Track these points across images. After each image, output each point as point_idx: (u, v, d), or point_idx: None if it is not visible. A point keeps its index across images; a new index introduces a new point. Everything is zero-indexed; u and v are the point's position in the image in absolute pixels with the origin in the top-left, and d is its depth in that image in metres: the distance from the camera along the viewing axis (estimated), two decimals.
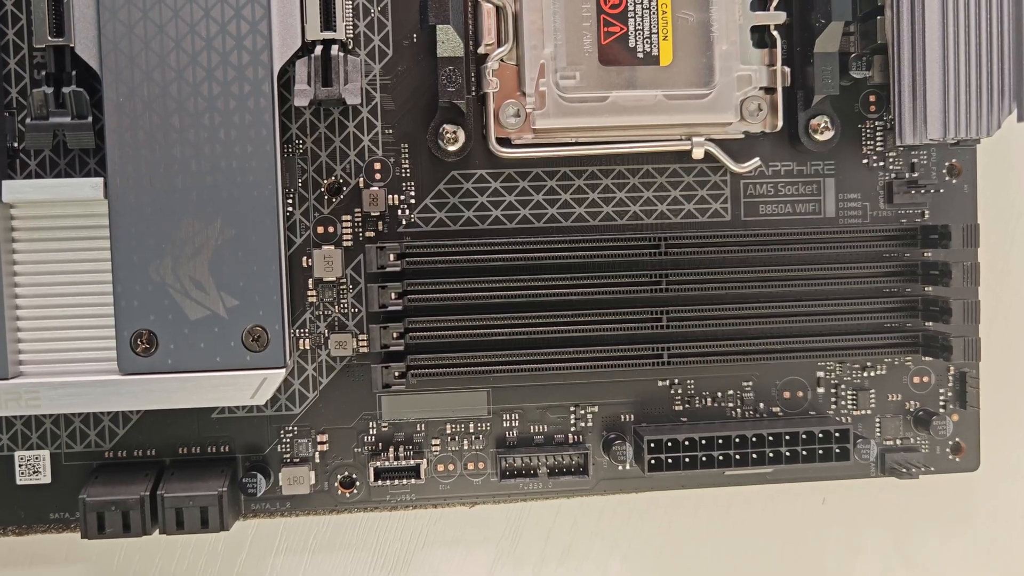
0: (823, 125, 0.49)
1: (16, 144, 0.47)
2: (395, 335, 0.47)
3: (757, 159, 0.50)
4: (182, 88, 0.45)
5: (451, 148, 0.48)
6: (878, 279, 0.50)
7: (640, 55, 0.48)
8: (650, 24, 0.48)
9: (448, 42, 0.46)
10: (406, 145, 0.49)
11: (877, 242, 0.50)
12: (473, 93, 0.48)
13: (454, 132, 0.48)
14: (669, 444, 0.48)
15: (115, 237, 0.45)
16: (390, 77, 0.48)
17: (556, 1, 0.47)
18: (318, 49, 0.46)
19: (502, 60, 0.48)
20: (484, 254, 0.48)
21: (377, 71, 0.48)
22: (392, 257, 0.47)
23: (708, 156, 0.49)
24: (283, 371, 0.46)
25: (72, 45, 0.45)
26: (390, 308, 0.47)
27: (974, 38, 0.46)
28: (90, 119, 0.46)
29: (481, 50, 0.48)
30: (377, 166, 0.49)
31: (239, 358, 0.46)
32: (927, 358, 0.51)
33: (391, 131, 0.49)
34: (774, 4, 0.49)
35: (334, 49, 0.46)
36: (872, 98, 0.51)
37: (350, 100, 0.46)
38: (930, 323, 0.50)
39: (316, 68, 0.46)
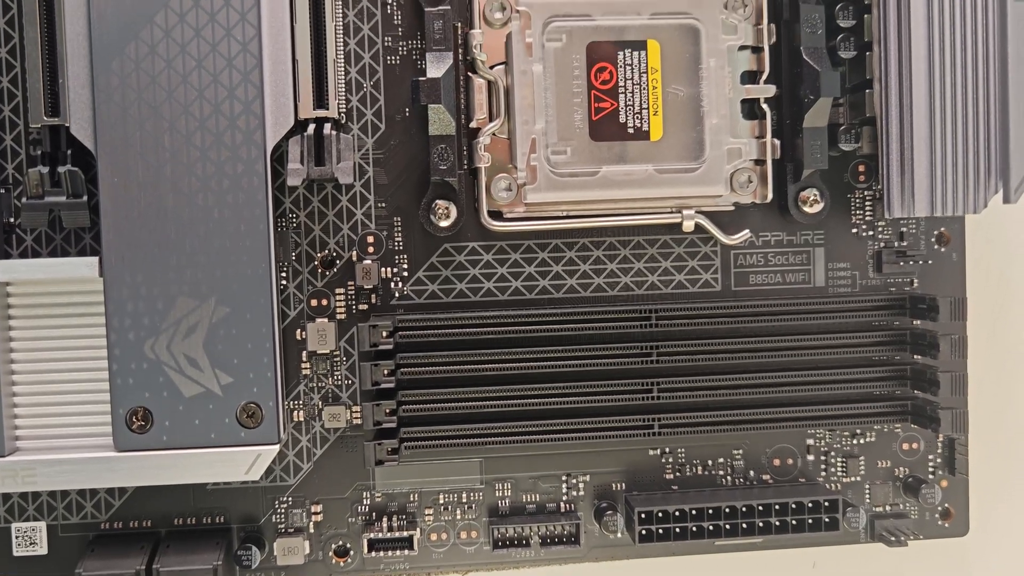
0: (812, 198, 0.50)
1: (12, 219, 0.48)
2: (387, 412, 0.47)
3: (747, 231, 0.50)
4: (176, 168, 0.45)
5: (443, 224, 0.48)
6: (867, 348, 0.50)
7: (631, 130, 0.48)
8: (640, 100, 0.48)
9: (439, 121, 0.47)
10: (399, 219, 0.49)
11: (866, 312, 0.50)
12: (465, 168, 0.49)
13: (446, 208, 0.48)
14: (660, 515, 0.49)
15: (110, 315, 0.45)
16: (383, 151, 0.49)
17: (547, 77, 0.48)
18: (311, 127, 0.47)
19: (494, 134, 0.48)
20: (476, 327, 0.48)
21: (370, 145, 0.49)
22: (384, 334, 0.47)
23: (698, 227, 0.50)
24: (277, 447, 0.46)
25: (67, 125, 0.46)
26: (383, 385, 0.47)
27: (960, 115, 0.47)
28: (85, 198, 0.46)
29: (473, 124, 0.48)
30: (370, 239, 0.49)
31: (234, 434, 0.46)
32: (916, 426, 0.51)
33: (384, 205, 0.49)
34: (764, 77, 0.49)
35: (327, 127, 0.47)
36: (861, 168, 0.51)
37: (343, 179, 0.46)
38: (919, 392, 0.50)
39: (309, 147, 0.46)
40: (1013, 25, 0.45)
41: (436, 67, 0.46)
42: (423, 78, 0.46)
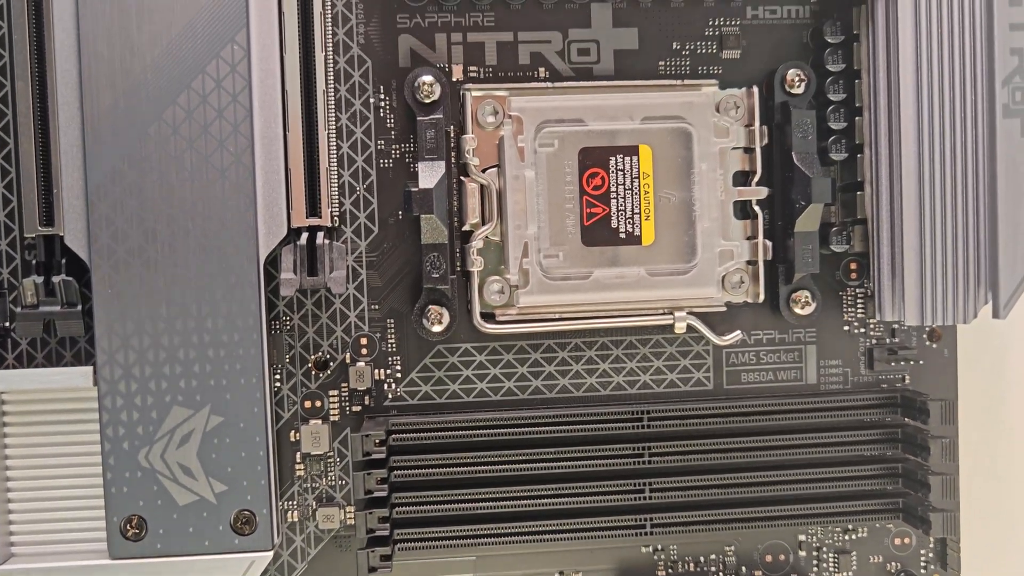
0: (804, 299, 0.50)
1: (7, 323, 0.48)
2: (380, 519, 0.47)
3: (739, 332, 0.50)
4: (170, 279, 0.45)
5: (436, 328, 0.48)
6: (859, 446, 0.50)
7: (623, 235, 0.48)
8: (632, 205, 0.48)
9: (432, 230, 0.47)
10: (392, 320, 0.49)
11: (858, 410, 0.50)
12: (458, 271, 0.49)
13: (439, 313, 0.48)
14: None
15: (104, 424, 0.46)
16: (376, 254, 0.49)
17: (539, 182, 0.48)
18: (304, 236, 0.47)
19: (486, 237, 0.48)
20: (469, 430, 0.48)
21: (363, 248, 0.49)
22: (376, 442, 0.47)
23: (691, 328, 0.50)
24: (271, 553, 0.46)
25: (62, 234, 0.46)
26: (376, 494, 0.47)
27: (951, 224, 0.47)
28: (79, 308, 0.46)
29: (465, 228, 0.48)
30: (363, 341, 0.49)
31: (228, 542, 0.46)
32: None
33: (377, 307, 0.49)
34: (755, 179, 0.49)
35: (319, 237, 0.47)
36: (853, 265, 0.51)
37: (336, 289, 0.47)
38: (910, 491, 0.50)
39: (302, 257, 0.47)
40: (1002, 141, 0.45)
41: (428, 177, 0.47)
42: (415, 189, 0.46)
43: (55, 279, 0.46)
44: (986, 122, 0.46)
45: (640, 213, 0.49)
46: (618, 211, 0.48)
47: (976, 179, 0.46)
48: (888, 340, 0.52)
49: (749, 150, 0.49)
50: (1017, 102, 0.45)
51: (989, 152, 0.46)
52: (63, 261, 0.47)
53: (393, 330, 0.49)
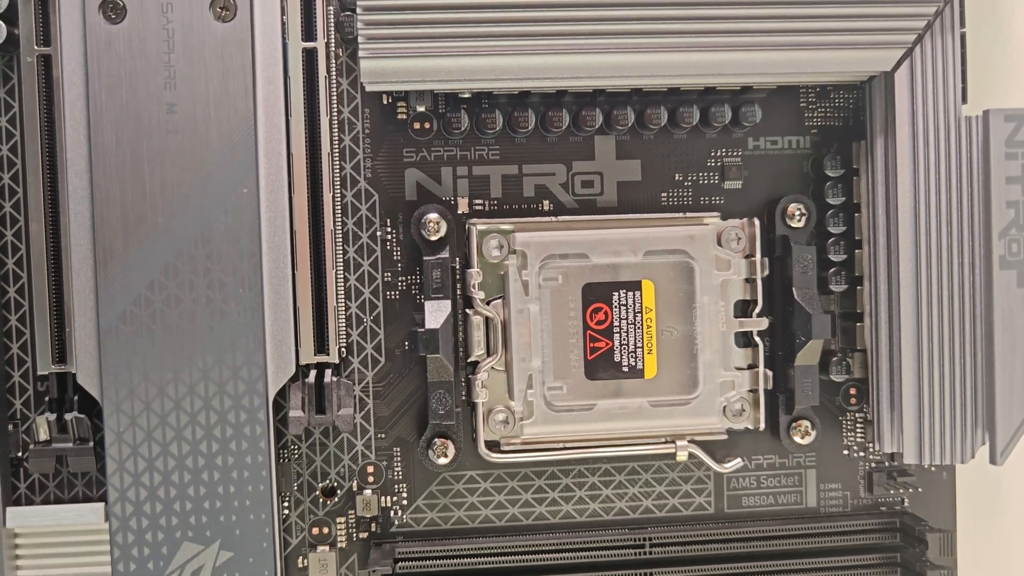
0: (804, 428, 0.51)
1: (20, 454, 0.49)
2: None
3: (739, 460, 0.51)
4: (181, 417, 0.46)
5: (441, 461, 0.49)
6: (859, 571, 0.51)
7: (625, 369, 0.49)
8: (635, 339, 0.49)
9: (438, 369, 0.48)
10: (399, 449, 0.50)
11: (857, 535, 0.51)
12: (463, 401, 0.50)
13: (445, 446, 0.49)
14: None
15: (115, 560, 0.46)
16: (383, 384, 0.50)
17: (543, 316, 0.49)
18: (312, 375, 0.48)
19: (492, 367, 0.49)
20: (474, 557, 0.49)
21: (370, 378, 0.50)
22: None
23: (692, 455, 0.50)
24: None
25: (74, 372, 0.47)
26: None
27: (948, 363, 0.47)
28: (91, 444, 0.47)
29: (471, 359, 0.49)
30: (370, 469, 0.50)
31: None
32: None
33: (384, 436, 0.50)
34: (756, 310, 0.50)
35: (327, 374, 0.48)
36: (853, 391, 0.52)
37: (344, 428, 0.48)
38: None
39: (310, 395, 0.47)
40: (999, 292, 0.46)
41: (434, 317, 0.47)
42: (422, 329, 0.47)
43: (67, 416, 0.47)
44: (983, 272, 0.46)
45: (643, 347, 0.49)
46: (621, 345, 0.49)
47: (974, 326, 0.47)
48: (887, 463, 0.52)
49: (750, 280, 0.50)
50: (1013, 253, 0.46)
51: (986, 301, 0.46)
52: (75, 398, 0.47)
53: (399, 458, 0.50)
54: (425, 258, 0.48)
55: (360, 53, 0.44)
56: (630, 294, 0.49)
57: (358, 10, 0.44)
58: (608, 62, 0.45)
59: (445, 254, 0.48)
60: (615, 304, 0.49)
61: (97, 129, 0.46)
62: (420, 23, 0.44)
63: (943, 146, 0.47)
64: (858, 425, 0.52)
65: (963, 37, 0.48)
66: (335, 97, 0.49)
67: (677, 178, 0.51)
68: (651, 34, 0.45)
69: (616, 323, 0.49)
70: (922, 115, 0.47)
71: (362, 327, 0.50)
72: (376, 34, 0.44)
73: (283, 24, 0.47)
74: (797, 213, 0.50)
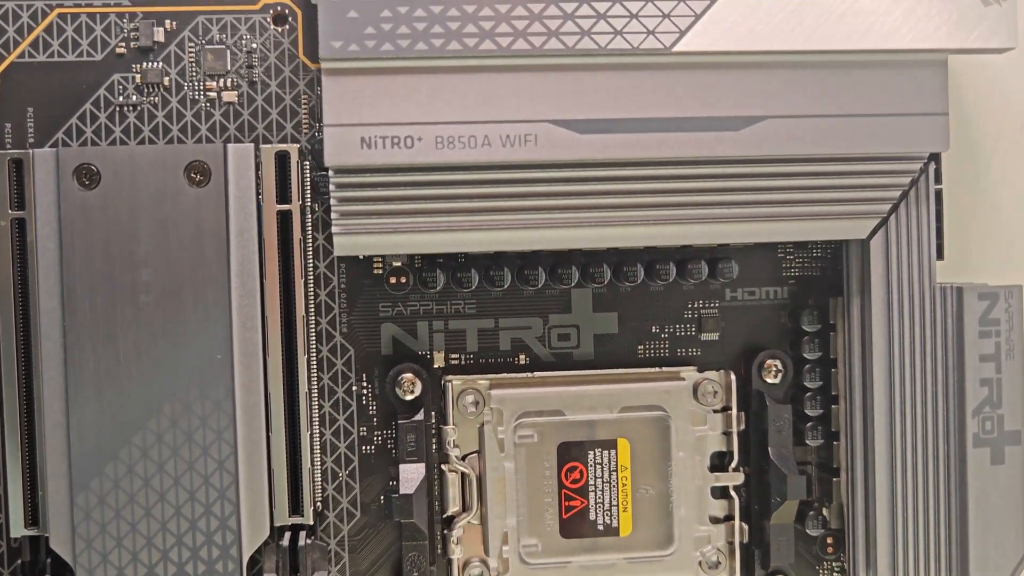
0: None
1: None
2: None
3: None
4: None
5: None
6: None
7: (600, 527, 0.49)
8: (610, 498, 0.49)
9: (412, 534, 0.48)
10: None
11: None
12: (439, 556, 0.49)
13: None
14: None
15: None
16: (359, 537, 0.50)
17: (518, 474, 0.49)
18: (286, 538, 0.48)
19: (468, 521, 0.49)
20: None
21: (346, 532, 0.50)
22: None
23: None
24: None
25: (47, 535, 0.47)
26: None
27: (923, 534, 0.47)
28: None
29: (447, 514, 0.49)
30: None
31: None
32: None
33: None
34: (732, 464, 0.50)
35: (302, 537, 0.48)
36: (830, 540, 0.52)
37: None
38: None
39: (284, 559, 0.47)
40: (973, 469, 0.46)
41: (408, 482, 0.47)
42: (396, 495, 0.47)
43: None
44: (957, 446, 0.46)
45: (618, 505, 0.49)
46: (596, 504, 0.49)
47: (948, 495, 0.47)
48: None
49: (727, 432, 0.50)
50: (987, 431, 0.46)
51: (959, 474, 0.46)
52: (48, 560, 0.47)
53: None
54: (400, 421, 0.48)
55: (333, 229, 0.44)
56: (605, 453, 0.49)
57: (331, 185, 0.44)
58: (582, 235, 0.45)
59: (419, 416, 0.48)
60: (590, 463, 0.49)
61: (71, 294, 0.46)
62: (392, 199, 0.44)
63: (918, 314, 0.47)
64: (835, 574, 0.52)
65: (939, 194, 0.48)
66: (310, 252, 0.49)
67: (654, 330, 0.51)
68: (625, 207, 0.45)
69: (591, 482, 0.49)
70: (896, 282, 0.47)
71: (337, 481, 0.50)
72: (349, 210, 0.44)
73: (258, 187, 0.47)
74: (774, 369, 0.50)
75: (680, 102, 0.43)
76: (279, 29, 0.49)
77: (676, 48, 0.42)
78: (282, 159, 0.47)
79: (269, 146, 0.47)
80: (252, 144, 0.47)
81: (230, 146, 0.46)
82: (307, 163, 0.48)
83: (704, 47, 0.42)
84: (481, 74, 0.42)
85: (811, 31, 0.43)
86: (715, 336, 0.51)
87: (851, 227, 0.46)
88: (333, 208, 0.44)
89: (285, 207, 0.47)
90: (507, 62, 0.42)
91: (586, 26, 0.42)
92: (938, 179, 0.48)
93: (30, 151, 0.46)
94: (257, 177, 0.47)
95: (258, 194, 0.47)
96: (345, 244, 0.44)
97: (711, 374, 0.50)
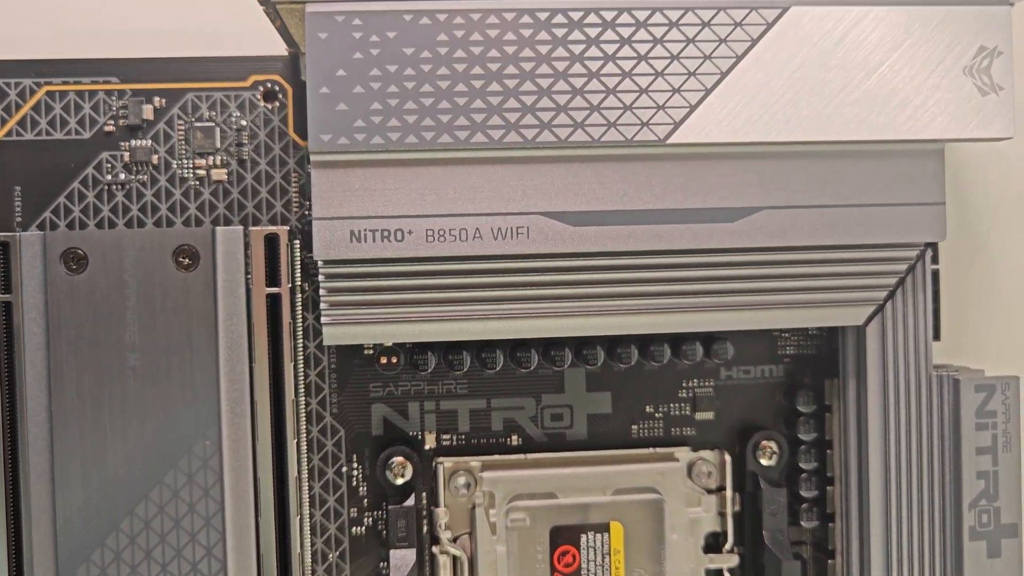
0: None
1: None
2: None
3: None
4: None
5: None
6: None
7: None
8: None
9: None
10: None
11: None
12: None
13: None
14: None
15: None
16: None
17: (510, 558, 0.48)
18: None
19: None
20: None
21: None
22: None
23: None
24: None
25: None
26: None
27: None
28: None
29: None
30: None
31: None
32: None
33: None
34: (727, 546, 0.50)
35: None
36: None
37: None
38: None
39: None
40: (969, 562, 0.45)
41: (399, 569, 0.47)
42: None
43: None
44: (953, 538, 0.46)
45: None
46: None
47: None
48: None
49: (721, 512, 0.50)
50: (984, 524, 0.45)
51: (956, 566, 0.46)
52: None
53: None
54: (390, 507, 0.47)
55: (322, 319, 0.43)
56: (598, 536, 0.49)
57: (320, 276, 0.43)
58: (575, 324, 0.44)
59: (410, 502, 0.48)
60: (583, 546, 0.49)
61: (58, 378, 0.45)
62: (382, 289, 0.43)
63: (914, 401, 0.46)
64: None
65: (935, 275, 0.48)
66: (300, 332, 0.48)
67: (648, 410, 0.50)
68: (618, 296, 0.44)
69: (584, 566, 0.49)
70: (893, 368, 0.46)
71: (328, 563, 0.49)
72: (338, 300, 0.43)
73: (247, 270, 0.46)
74: (769, 450, 0.50)
75: (674, 193, 0.43)
76: (269, 106, 0.48)
77: (671, 140, 0.42)
78: (271, 241, 0.47)
79: (258, 228, 0.47)
80: (241, 227, 0.46)
81: (218, 229, 0.46)
82: (297, 242, 0.47)
83: (699, 139, 0.42)
84: (473, 166, 0.42)
85: (808, 122, 0.42)
86: (710, 415, 0.51)
87: (847, 314, 0.45)
88: (322, 298, 0.43)
89: (274, 290, 0.47)
90: (499, 154, 0.42)
91: (579, 118, 0.41)
92: (935, 259, 0.48)
93: (17, 234, 0.45)
94: (246, 260, 0.46)
95: (247, 277, 0.46)
96: (334, 334, 0.43)
97: (706, 453, 0.50)
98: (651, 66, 0.42)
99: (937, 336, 0.48)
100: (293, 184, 0.48)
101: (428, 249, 0.42)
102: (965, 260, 0.54)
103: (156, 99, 0.48)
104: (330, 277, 0.43)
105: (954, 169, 0.52)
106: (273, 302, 0.47)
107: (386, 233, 0.42)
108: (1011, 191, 0.54)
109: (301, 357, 0.48)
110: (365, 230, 0.42)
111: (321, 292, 0.43)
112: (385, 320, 0.43)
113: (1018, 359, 0.50)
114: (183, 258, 0.46)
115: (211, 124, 0.48)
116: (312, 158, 0.42)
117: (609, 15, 0.41)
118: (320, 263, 0.43)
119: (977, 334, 0.53)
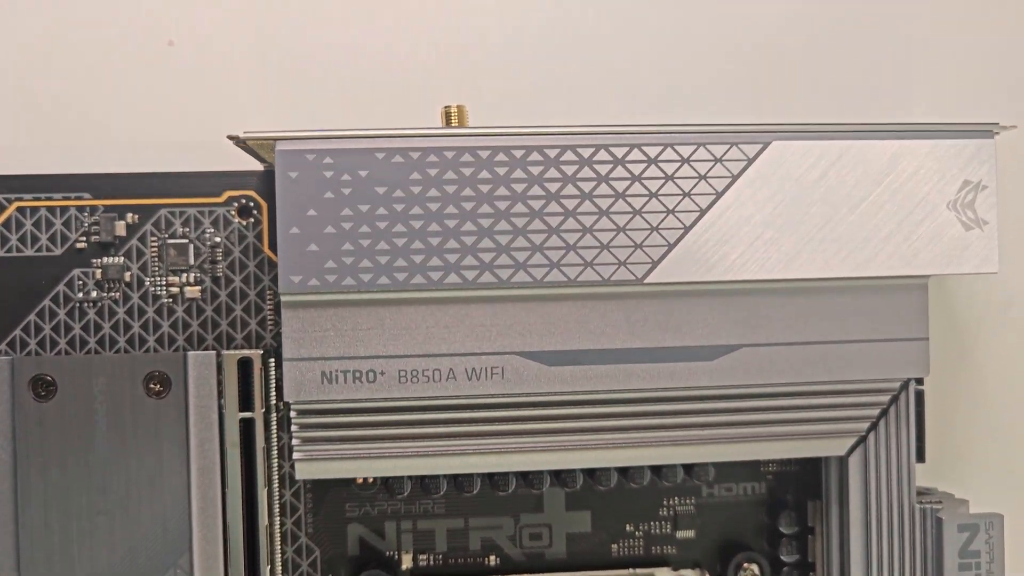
0: None
1: None
2: None
3: None
4: None
5: None
6: None
7: None
8: None
9: None
10: None
11: None
12: None
13: None
14: None
15: None
16: None
17: None
18: None
19: None
20: None
21: None
22: None
23: None
24: None
25: None
26: None
27: None
28: None
29: None
30: None
31: None
32: None
33: None
34: None
35: None
36: None
37: None
38: None
39: None
40: None
41: None
42: None
43: None
44: None
45: None
46: None
47: None
48: None
49: None
50: None
51: None
52: None
53: None
54: None
55: (295, 455, 0.43)
56: None
57: (292, 413, 0.42)
58: (551, 459, 0.44)
59: None
60: None
61: (25, 508, 0.44)
62: (355, 426, 0.42)
63: (896, 532, 0.45)
64: None
65: (920, 396, 0.47)
66: (275, 453, 0.47)
67: (628, 528, 0.50)
68: (596, 431, 0.43)
69: None
70: (875, 497, 0.45)
71: None
72: (311, 436, 0.42)
73: (220, 394, 0.46)
74: (750, 572, 0.49)
75: (651, 332, 0.42)
76: (244, 222, 0.48)
77: (648, 279, 0.41)
78: (244, 365, 0.46)
79: (231, 352, 0.46)
80: (213, 352, 0.45)
81: (190, 355, 0.45)
82: (272, 361, 0.47)
83: (677, 278, 0.41)
84: (446, 306, 0.41)
85: (788, 259, 0.42)
86: (691, 534, 0.50)
87: (829, 446, 0.45)
88: (295, 434, 0.42)
89: (248, 415, 0.46)
90: (473, 294, 0.41)
91: (555, 258, 0.41)
92: (919, 380, 0.47)
93: None
94: (219, 385, 0.46)
95: (220, 402, 0.46)
96: (307, 469, 0.43)
97: (687, 572, 0.49)
98: (629, 204, 0.41)
99: (921, 458, 0.47)
100: (268, 301, 0.47)
101: (400, 390, 0.41)
102: (951, 363, 0.54)
103: (129, 215, 0.47)
104: (302, 414, 0.42)
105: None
106: (247, 426, 0.46)
107: (358, 374, 0.41)
108: (996, 294, 0.54)
109: (276, 476, 0.47)
110: (336, 371, 0.41)
111: (293, 428, 0.42)
112: (359, 456, 0.43)
113: (1005, 472, 0.49)
114: (154, 384, 0.45)
115: (184, 241, 0.47)
116: (283, 299, 0.41)
117: (586, 152, 0.41)
118: (292, 404, 0.42)
119: (965, 446, 0.52)
